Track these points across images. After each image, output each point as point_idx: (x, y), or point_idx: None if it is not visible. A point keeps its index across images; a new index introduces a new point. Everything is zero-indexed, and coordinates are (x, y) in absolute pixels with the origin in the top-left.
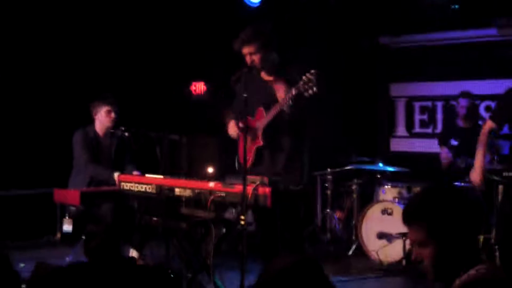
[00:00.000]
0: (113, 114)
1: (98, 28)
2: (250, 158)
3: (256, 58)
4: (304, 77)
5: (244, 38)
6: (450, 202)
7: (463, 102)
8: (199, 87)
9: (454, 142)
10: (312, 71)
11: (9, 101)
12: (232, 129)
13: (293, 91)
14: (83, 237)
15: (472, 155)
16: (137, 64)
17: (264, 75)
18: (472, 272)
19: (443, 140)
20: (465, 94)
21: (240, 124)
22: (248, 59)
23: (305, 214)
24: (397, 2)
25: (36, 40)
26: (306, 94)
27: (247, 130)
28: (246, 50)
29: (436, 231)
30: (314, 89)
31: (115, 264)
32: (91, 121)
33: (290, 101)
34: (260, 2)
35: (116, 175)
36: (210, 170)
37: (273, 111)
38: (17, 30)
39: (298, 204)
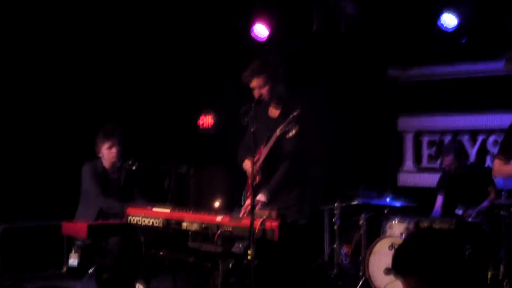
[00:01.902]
0: (114, 149)
1: (109, 60)
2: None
3: (264, 91)
4: (288, 118)
5: (253, 71)
6: (437, 248)
7: (447, 160)
8: (207, 121)
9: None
10: (295, 113)
11: (17, 133)
12: (248, 165)
13: (277, 132)
14: (92, 270)
15: (468, 203)
16: (145, 96)
17: (272, 109)
18: None
19: (439, 187)
20: (447, 150)
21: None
22: (256, 92)
23: (312, 248)
24: (406, 35)
25: (47, 70)
26: (289, 134)
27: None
28: (254, 82)
29: (428, 280)
30: (296, 128)
31: None
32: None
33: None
34: (268, 35)
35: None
36: (217, 204)
37: (266, 150)
38: (26, 60)
39: (305, 239)
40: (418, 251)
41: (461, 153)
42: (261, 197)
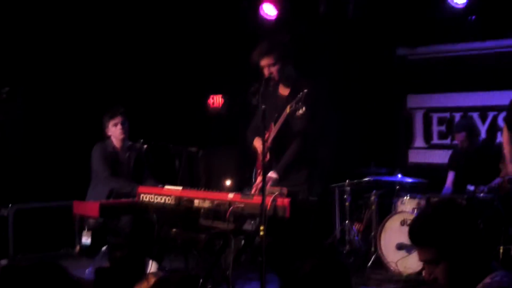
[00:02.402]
0: (119, 126)
1: (119, 41)
2: (261, 172)
3: (273, 70)
4: (297, 97)
5: (262, 50)
6: (457, 221)
7: (459, 138)
8: (217, 100)
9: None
10: (304, 91)
11: (28, 115)
12: (258, 143)
13: (287, 109)
14: (105, 249)
15: (480, 180)
16: (155, 77)
17: (282, 88)
18: (487, 280)
19: (450, 164)
20: (459, 128)
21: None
22: (266, 71)
23: (323, 225)
24: (414, 14)
25: (59, 55)
26: (297, 113)
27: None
28: (264, 62)
29: (446, 251)
30: (303, 108)
31: None
32: (104, 138)
33: (291, 117)
34: (277, 15)
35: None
36: (228, 182)
37: (276, 128)
38: (38, 46)
39: (316, 216)
40: (437, 222)
41: (473, 130)
42: (272, 174)
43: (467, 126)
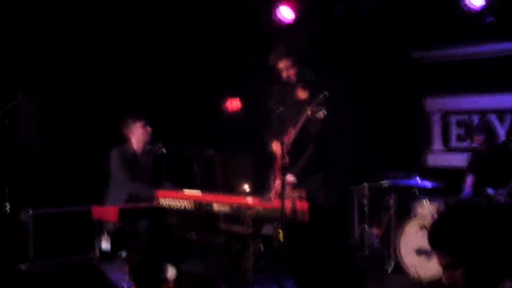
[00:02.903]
0: (149, 128)
1: (137, 44)
2: (279, 176)
3: (291, 72)
4: (317, 100)
5: (280, 52)
6: (476, 224)
7: (478, 141)
8: (235, 104)
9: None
10: (324, 94)
11: (45, 120)
12: (276, 147)
13: (308, 112)
14: (123, 253)
15: (499, 183)
16: (174, 80)
17: (300, 91)
18: (508, 283)
19: (469, 168)
20: (478, 131)
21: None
22: (283, 74)
23: (341, 229)
24: (430, 16)
25: (73, 56)
26: (317, 115)
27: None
28: (281, 64)
29: (464, 255)
30: (323, 111)
31: None
32: (125, 140)
33: (310, 120)
34: (293, 17)
35: None
36: (246, 186)
37: (295, 131)
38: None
39: (334, 220)
40: (455, 226)
41: (492, 133)
42: (289, 177)
43: (486, 129)
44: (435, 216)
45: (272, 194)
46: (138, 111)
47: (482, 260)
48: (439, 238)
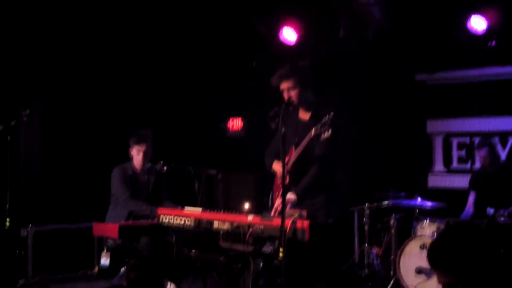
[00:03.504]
0: (142, 154)
1: (140, 63)
2: (279, 195)
3: (293, 94)
4: (323, 120)
5: (283, 73)
6: (476, 245)
7: (482, 153)
8: (236, 123)
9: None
10: (331, 113)
11: (46, 136)
12: (277, 166)
13: (312, 133)
14: (123, 270)
15: (500, 204)
16: (176, 100)
17: (302, 113)
18: None
19: (470, 187)
20: (481, 144)
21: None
22: (285, 95)
23: (342, 249)
24: (433, 39)
25: (76, 73)
26: (322, 136)
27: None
28: (284, 85)
29: (463, 275)
30: (329, 132)
31: None
32: (128, 156)
33: (313, 141)
34: (296, 39)
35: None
36: (247, 206)
37: (298, 151)
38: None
39: (335, 239)
40: (455, 247)
41: (494, 147)
42: (290, 195)
43: (489, 143)
44: (435, 235)
45: (273, 213)
46: (143, 133)
47: (480, 281)
48: (438, 257)
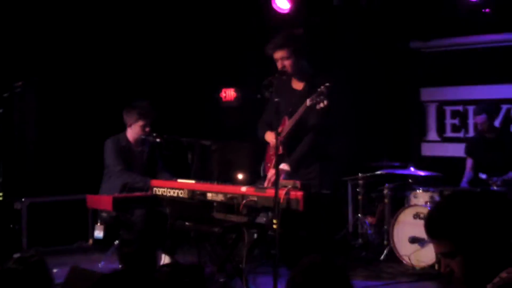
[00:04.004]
0: (147, 129)
1: (133, 34)
2: (271, 165)
3: (287, 63)
4: (318, 90)
5: (277, 43)
6: (474, 212)
7: (480, 119)
8: (229, 94)
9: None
10: (326, 84)
11: (40, 108)
12: (270, 136)
13: (307, 102)
14: (116, 243)
15: (495, 170)
16: (168, 71)
17: (295, 82)
18: (503, 274)
19: (467, 153)
20: (480, 110)
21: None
22: (279, 64)
23: (336, 219)
24: (428, 6)
25: (70, 45)
26: (318, 106)
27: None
28: (278, 54)
29: (463, 244)
30: (325, 102)
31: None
32: (123, 128)
33: (308, 111)
34: (290, 8)
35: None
36: (240, 176)
37: (292, 121)
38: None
39: (329, 209)
40: (453, 214)
41: (492, 112)
42: (284, 166)
43: (488, 109)
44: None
45: (266, 184)
46: (145, 107)
47: (479, 249)
48: (436, 226)
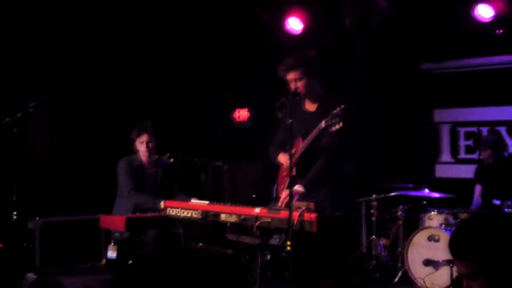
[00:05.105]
0: (144, 145)
1: (146, 55)
2: (284, 187)
3: (300, 84)
4: (334, 112)
5: (289, 64)
6: (499, 234)
7: (485, 155)
8: (242, 114)
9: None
10: (342, 106)
11: (53, 128)
12: (284, 157)
13: (323, 124)
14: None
15: (506, 195)
16: (182, 91)
17: (308, 104)
18: None
19: (476, 179)
20: (485, 145)
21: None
22: (292, 85)
23: (350, 240)
24: (439, 28)
25: (83, 66)
26: (332, 128)
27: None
28: (290, 75)
29: (486, 265)
30: (340, 124)
31: None
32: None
33: (322, 133)
34: (302, 29)
35: (162, 202)
36: (253, 197)
37: (306, 143)
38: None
39: (343, 230)
40: (478, 235)
41: (498, 146)
42: (298, 187)
43: (493, 144)
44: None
45: (280, 204)
46: (143, 124)
47: (502, 271)
48: (460, 246)
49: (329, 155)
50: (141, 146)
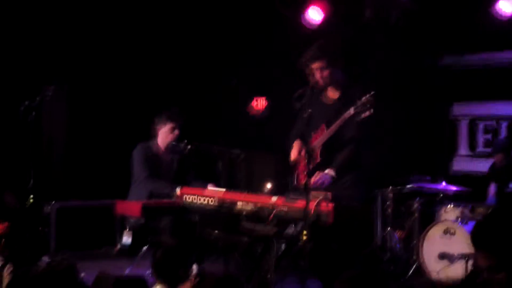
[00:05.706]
0: (176, 131)
1: (164, 41)
2: (305, 174)
3: (325, 74)
4: (363, 98)
5: (314, 54)
6: None
7: (497, 158)
8: (260, 103)
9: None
10: (372, 92)
11: (70, 114)
12: (294, 153)
13: (351, 111)
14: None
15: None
16: (200, 80)
17: (330, 92)
18: None
19: (489, 178)
20: (496, 149)
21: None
22: (317, 75)
23: (366, 232)
24: (459, 22)
25: (101, 52)
26: (362, 115)
27: (310, 154)
28: (315, 65)
29: (508, 260)
30: (371, 110)
31: None
32: (151, 136)
33: (347, 121)
34: (322, 19)
35: (178, 189)
36: (269, 185)
37: (332, 129)
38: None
39: (359, 221)
40: (502, 230)
41: (509, 150)
42: (330, 171)
43: (505, 147)
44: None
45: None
46: (174, 110)
47: None
48: (484, 239)
49: (357, 142)
50: (167, 133)
